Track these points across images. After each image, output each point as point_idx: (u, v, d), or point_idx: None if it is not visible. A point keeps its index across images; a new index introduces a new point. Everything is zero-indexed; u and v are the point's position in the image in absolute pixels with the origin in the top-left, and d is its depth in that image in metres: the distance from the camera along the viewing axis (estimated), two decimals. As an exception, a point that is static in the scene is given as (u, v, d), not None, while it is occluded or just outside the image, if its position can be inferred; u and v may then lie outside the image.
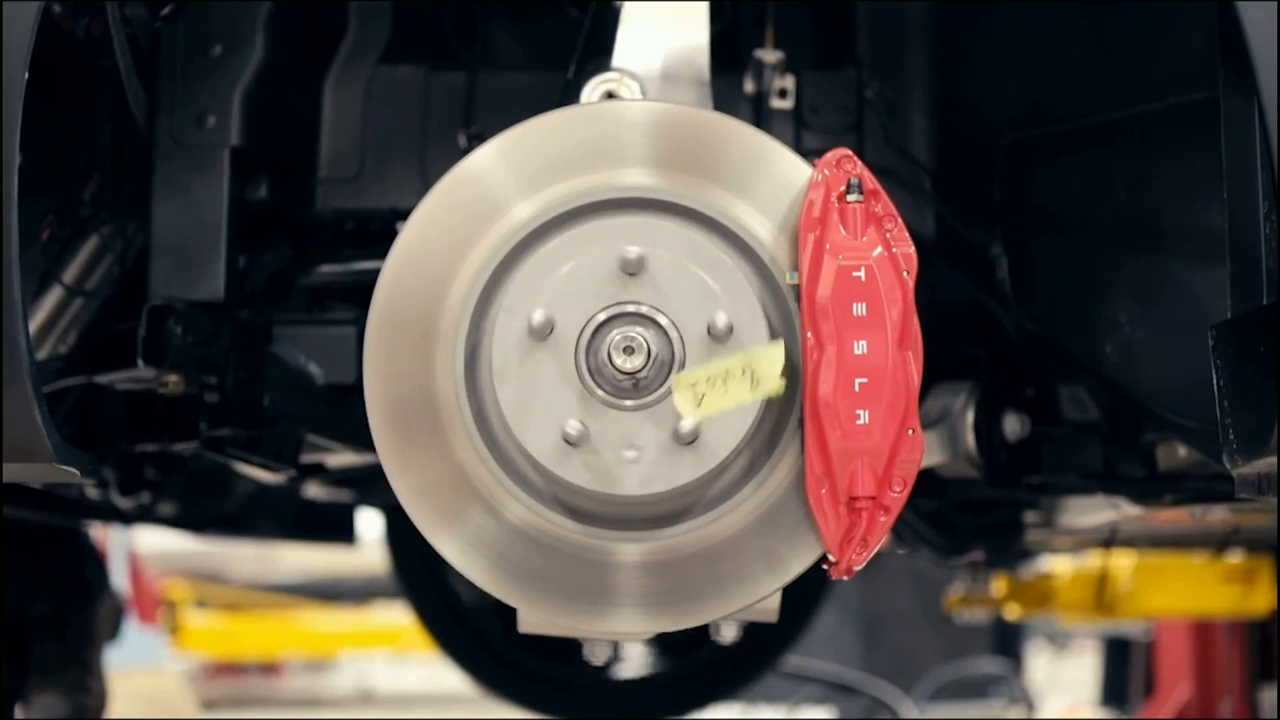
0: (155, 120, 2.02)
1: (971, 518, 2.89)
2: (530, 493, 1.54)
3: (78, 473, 1.63)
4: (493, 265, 1.55)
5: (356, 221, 2.21)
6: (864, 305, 1.51)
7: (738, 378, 1.49)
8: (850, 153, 1.55)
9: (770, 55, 2.05)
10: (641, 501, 1.52)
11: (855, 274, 1.51)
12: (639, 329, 1.51)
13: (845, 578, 1.55)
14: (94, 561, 3.82)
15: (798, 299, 1.53)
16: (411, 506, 1.56)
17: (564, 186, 1.57)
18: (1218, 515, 2.76)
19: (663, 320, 1.51)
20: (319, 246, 2.23)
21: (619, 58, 1.76)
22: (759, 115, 2.10)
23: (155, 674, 7.68)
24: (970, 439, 2.19)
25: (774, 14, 2.09)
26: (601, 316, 1.52)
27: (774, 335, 1.53)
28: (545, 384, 1.50)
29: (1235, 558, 4.56)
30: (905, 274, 1.53)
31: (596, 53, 1.91)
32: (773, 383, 1.49)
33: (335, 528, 3.93)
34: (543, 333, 1.51)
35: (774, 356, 1.49)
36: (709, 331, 1.51)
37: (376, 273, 1.58)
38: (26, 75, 1.55)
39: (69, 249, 2.09)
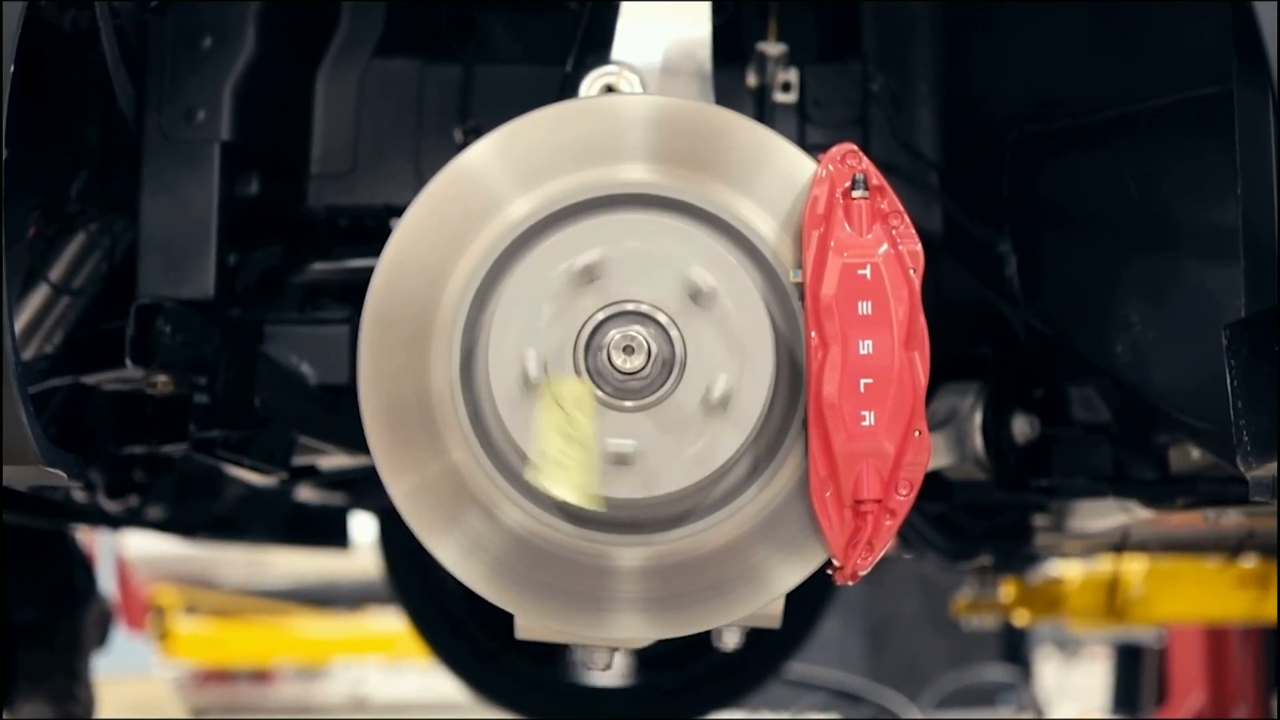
0: (144, 115, 2.00)
1: (979, 521, 2.87)
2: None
3: (64, 475, 1.61)
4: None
5: (350, 218, 2.19)
6: (869, 304, 1.48)
7: (565, 424, 1.45)
8: (855, 148, 1.53)
9: (773, 48, 2.03)
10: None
11: (860, 272, 1.49)
12: (639, 328, 1.48)
13: (850, 583, 1.53)
14: (81, 566, 3.80)
15: (801, 297, 1.50)
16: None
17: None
18: (1231, 519, 2.74)
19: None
20: (312, 244, 2.20)
21: (618, 51, 1.74)
22: (762, 110, 2.08)
23: (144, 681, 7.64)
24: (978, 441, 2.17)
25: (777, 7, 2.07)
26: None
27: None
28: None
29: (1249, 562, 4.52)
30: (911, 272, 1.50)
31: (595, 46, 1.90)
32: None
33: (328, 532, 3.90)
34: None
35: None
36: None
37: (370, 271, 1.56)
38: (13, 69, 1.53)
39: (55, 246, 2.06)
